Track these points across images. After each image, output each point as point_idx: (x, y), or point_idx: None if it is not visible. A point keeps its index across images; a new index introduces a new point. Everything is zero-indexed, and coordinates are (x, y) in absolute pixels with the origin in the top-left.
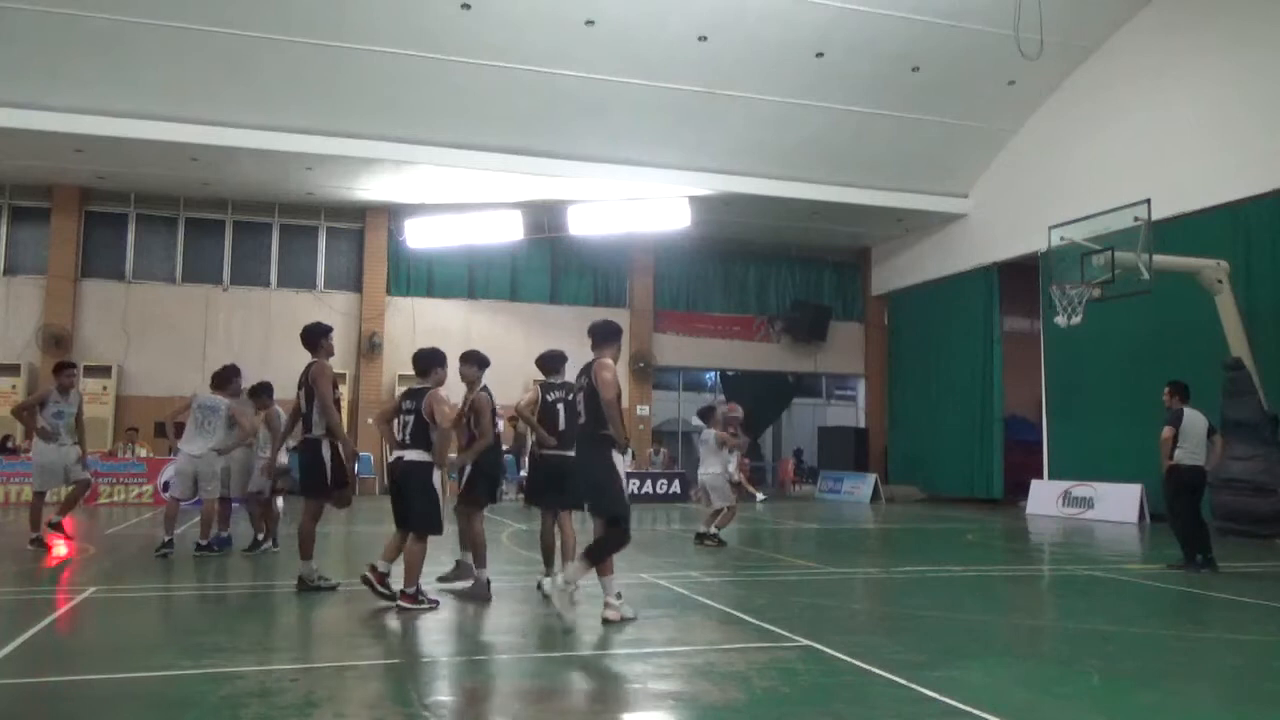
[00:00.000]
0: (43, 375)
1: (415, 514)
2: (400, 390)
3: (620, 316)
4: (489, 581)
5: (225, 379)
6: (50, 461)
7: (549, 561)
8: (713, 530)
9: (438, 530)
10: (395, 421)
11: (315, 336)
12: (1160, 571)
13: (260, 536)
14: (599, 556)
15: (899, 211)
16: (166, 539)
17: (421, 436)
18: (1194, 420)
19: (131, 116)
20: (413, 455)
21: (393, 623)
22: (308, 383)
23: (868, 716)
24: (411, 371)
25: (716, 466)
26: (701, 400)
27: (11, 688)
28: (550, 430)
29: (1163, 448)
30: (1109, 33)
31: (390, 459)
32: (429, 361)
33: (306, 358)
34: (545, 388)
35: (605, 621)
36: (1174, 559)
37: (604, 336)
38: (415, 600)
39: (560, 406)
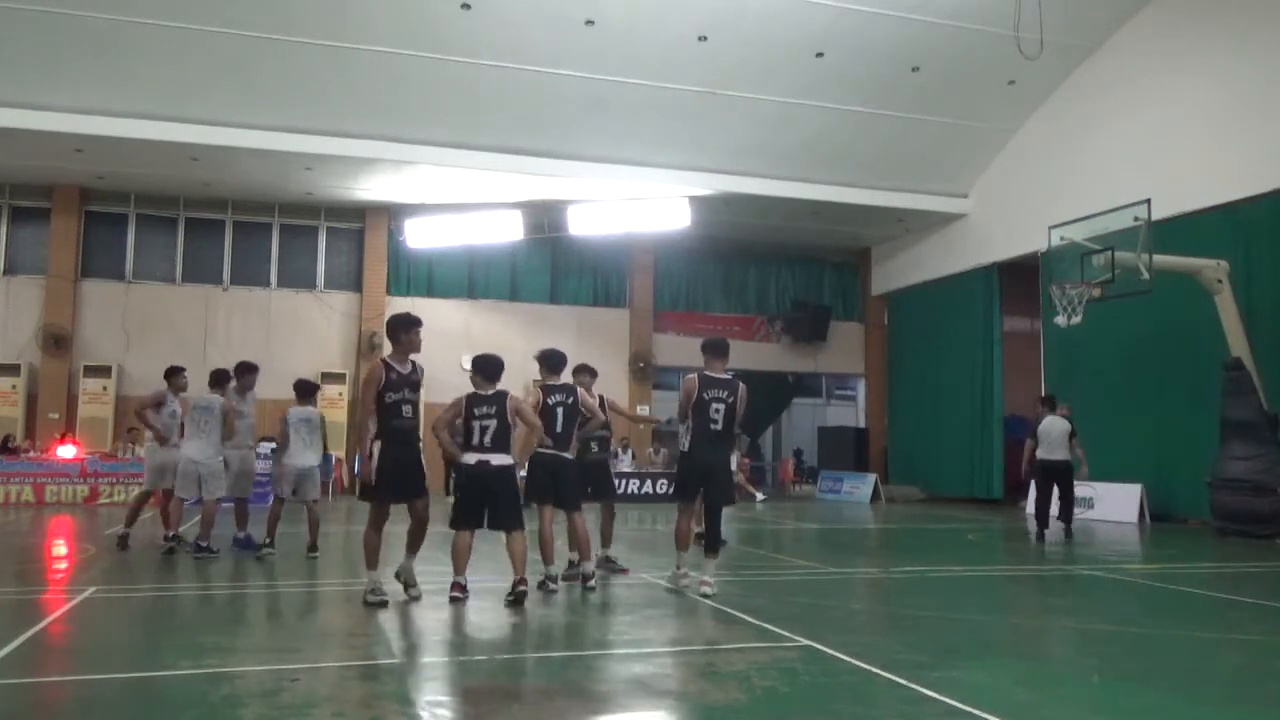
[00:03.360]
0: (43, 375)
1: (511, 514)
2: (465, 395)
3: (620, 316)
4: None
5: (218, 379)
6: (161, 462)
7: (548, 559)
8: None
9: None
10: (471, 426)
11: (392, 329)
12: (1160, 571)
13: (246, 537)
14: (717, 543)
15: (899, 211)
16: (170, 534)
17: (504, 440)
18: (1052, 425)
19: (131, 116)
20: (500, 459)
21: (392, 623)
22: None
23: (868, 716)
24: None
25: None
26: None
27: (11, 688)
28: (548, 431)
29: (1025, 454)
30: (1109, 33)
31: (470, 462)
32: (499, 368)
33: (306, 358)
34: (547, 390)
35: (705, 596)
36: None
37: (718, 350)
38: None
39: (560, 410)
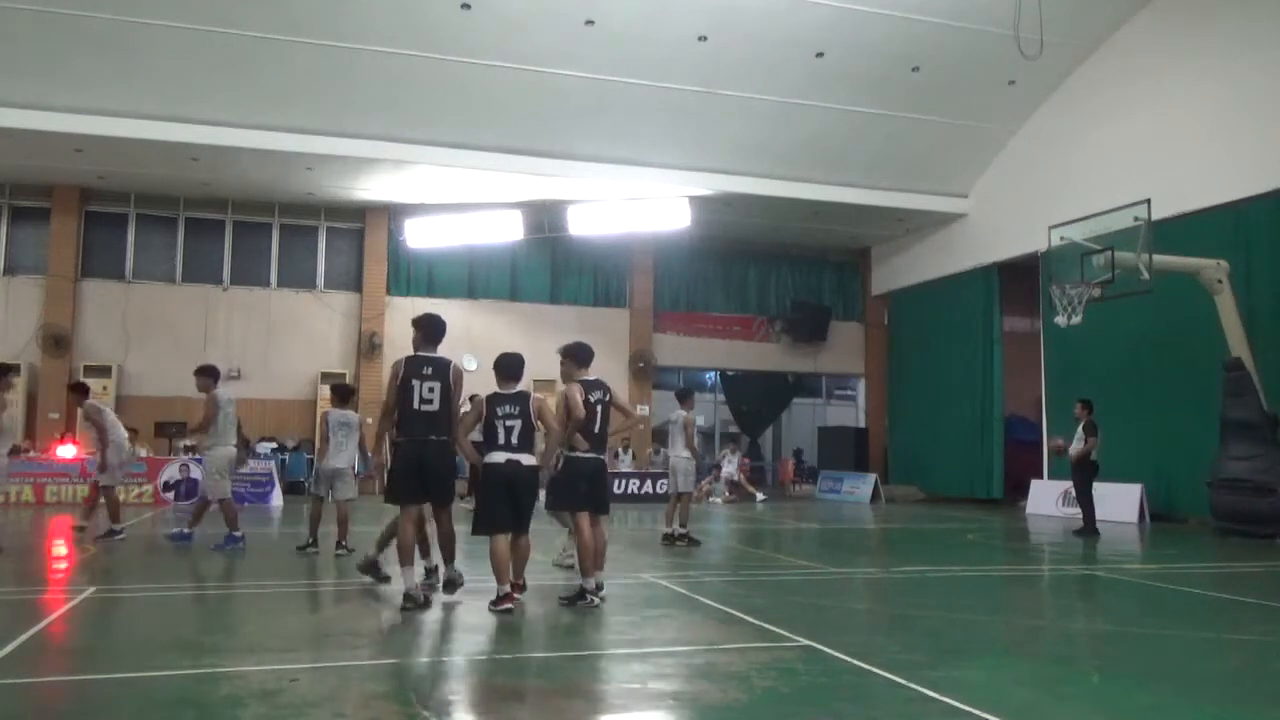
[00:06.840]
0: (43, 375)
1: (528, 517)
2: (484, 395)
3: (620, 316)
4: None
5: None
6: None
7: (589, 570)
8: (678, 530)
9: None
10: (495, 426)
11: (442, 330)
12: (1160, 571)
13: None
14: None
15: (899, 211)
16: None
17: (529, 440)
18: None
19: (131, 116)
20: (529, 460)
21: (392, 623)
22: (444, 380)
23: (868, 716)
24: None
25: (685, 450)
26: (702, 401)
27: (11, 688)
28: (586, 432)
29: (1093, 451)
30: (1109, 33)
31: (499, 461)
32: (520, 366)
33: (306, 358)
34: (586, 387)
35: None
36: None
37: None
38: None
39: (599, 409)
